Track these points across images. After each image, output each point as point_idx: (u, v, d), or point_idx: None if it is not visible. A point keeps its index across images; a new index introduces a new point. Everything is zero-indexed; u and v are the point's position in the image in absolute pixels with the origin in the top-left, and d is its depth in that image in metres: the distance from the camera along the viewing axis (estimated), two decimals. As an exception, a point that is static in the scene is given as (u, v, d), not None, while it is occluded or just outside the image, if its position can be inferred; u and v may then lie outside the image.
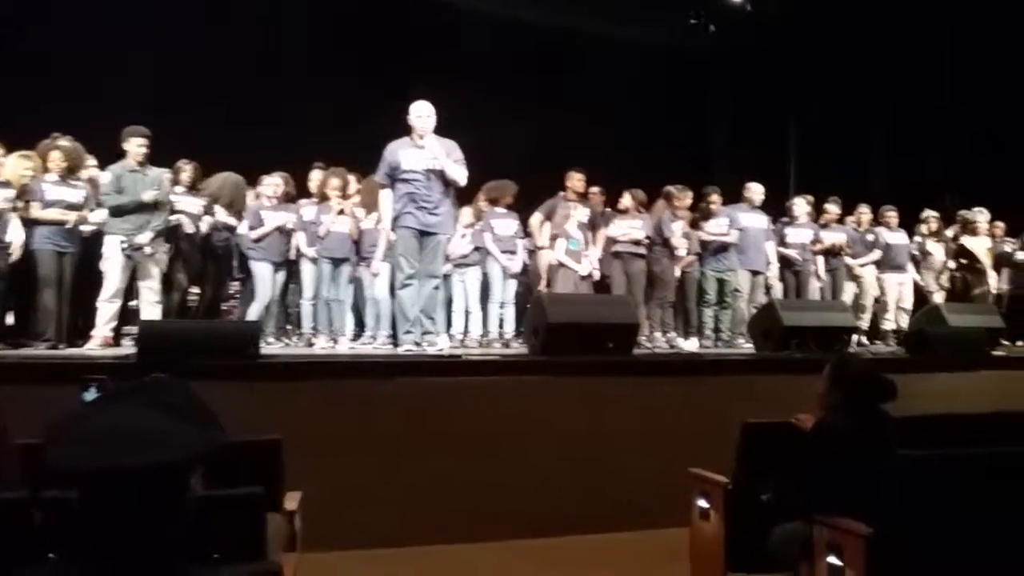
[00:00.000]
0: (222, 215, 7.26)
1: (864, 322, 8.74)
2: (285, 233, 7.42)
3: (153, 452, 1.30)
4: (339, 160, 7.87)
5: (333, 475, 4.15)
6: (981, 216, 9.06)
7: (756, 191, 8.55)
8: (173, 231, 6.71)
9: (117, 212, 6.16)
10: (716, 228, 8.26)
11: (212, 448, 1.39)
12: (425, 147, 5.95)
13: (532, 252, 8.21)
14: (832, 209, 8.87)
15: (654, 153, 11.43)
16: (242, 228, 7.42)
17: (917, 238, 9.25)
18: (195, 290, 7.36)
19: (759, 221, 8.47)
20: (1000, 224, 9.38)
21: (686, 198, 8.37)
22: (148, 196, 6.20)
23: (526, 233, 8.16)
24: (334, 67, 10.87)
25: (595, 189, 8.55)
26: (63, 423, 1.35)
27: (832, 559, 2.78)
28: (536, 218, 7.88)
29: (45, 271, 6.15)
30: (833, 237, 8.73)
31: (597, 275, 7.74)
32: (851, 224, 9.08)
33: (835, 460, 2.94)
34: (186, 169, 7.06)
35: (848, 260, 8.82)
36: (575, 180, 7.88)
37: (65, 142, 6.49)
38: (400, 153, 5.95)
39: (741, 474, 3.44)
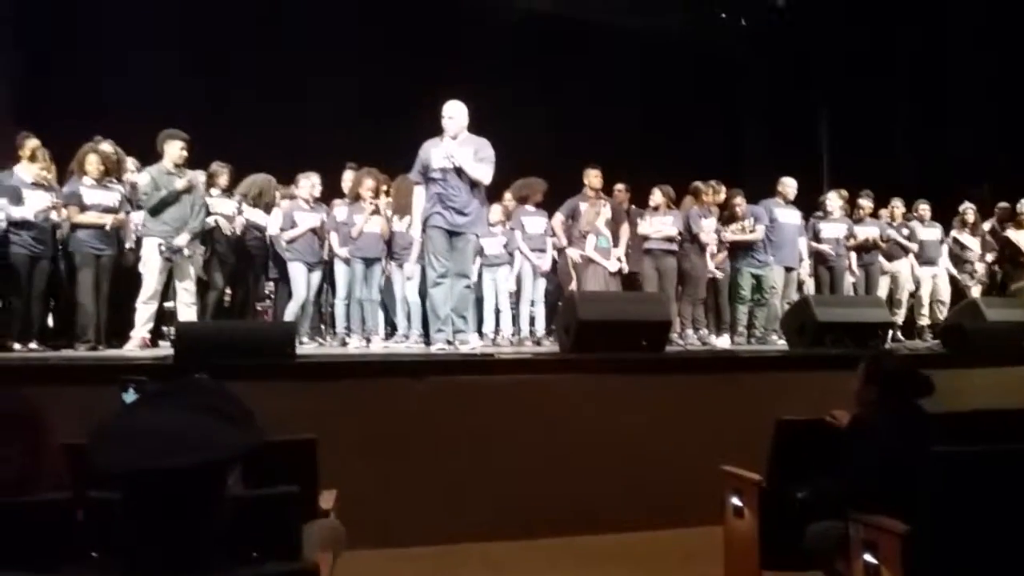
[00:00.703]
0: (251, 214, 7.34)
1: (900, 317, 8.64)
2: (318, 234, 7.49)
3: (193, 452, 1.33)
4: (368, 161, 7.93)
5: (368, 474, 4.19)
6: (1027, 207, 8.89)
7: (789, 186, 8.49)
8: (209, 233, 6.81)
9: (156, 211, 6.25)
10: (739, 231, 8.27)
11: (250, 448, 1.42)
12: (459, 146, 5.94)
13: (560, 251, 8.22)
14: (865, 204, 8.77)
15: (684, 149, 11.37)
16: (273, 228, 7.50)
17: (953, 231, 9.13)
18: (230, 291, 7.48)
19: (793, 217, 8.41)
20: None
21: (715, 193, 8.34)
22: (180, 184, 6.28)
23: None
24: (362, 67, 10.94)
25: (620, 186, 8.56)
26: (106, 425, 1.38)
27: (868, 557, 2.75)
28: (558, 219, 7.86)
29: (84, 273, 6.27)
30: (867, 232, 8.63)
31: (626, 268, 7.74)
32: (885, 218, 8.98)
33: (872, 457, 2.91)
34: (222, 172, 7.16)
35: (882, 259, 8.73)
36: (592, 177, 7.88)
37: (106, 146, 6.61)
38: (432, 152, 5.98)
39: (775, 471, 3.42)
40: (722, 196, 8.34)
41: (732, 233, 8.20)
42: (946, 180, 10.12)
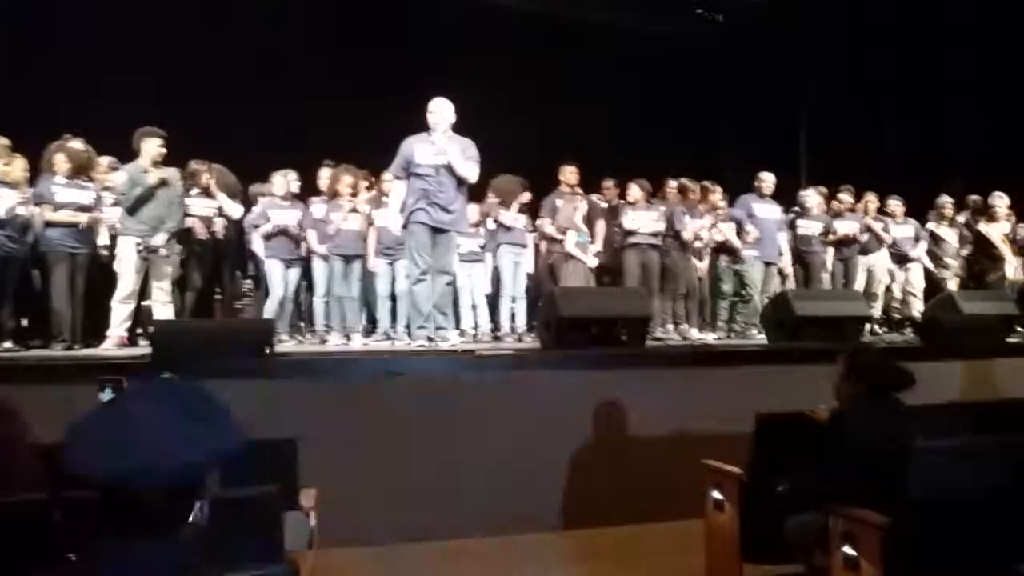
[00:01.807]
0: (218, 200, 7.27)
1: (876, 310, 8.72)
2: (289, 233, 7.45)
3: (170, 454, 1.32)
4: (346, 158, 7.90)
5: (348, 472, 4.18)
6: (1000, 201, 8.92)
7: (767, 180, 8.53)
8: (187, 232, 6.74)
9: (133, 209, 6.18)
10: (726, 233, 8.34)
11: (228, 450, 1.40)
12: (435, 143, 5.96)
13: (537, 247, 8.23)
14: (845, 198, 8.84)
15: (662, 145, 11.39)
16: (235, 213, 7.40)
17: (930, 224, 9.21)
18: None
19: (771, 211, 8.45)
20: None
21: (707, 193, 8.36)
22: (152, 178, 6.20)
23: (534, 227, 8.19)
24: (337, 64, 10.88)
25: (608, 183, 8.62)
26: (81, 427, 1.36)
27: (848, 549, 2.77)
28: (546, 222, 7.86)
29: (58, 272, 6.19)
30: (847, 226, 8.70)
31: (594, 263, 7.82)
32: (861, 212, 9.06)
33: (852, 450, 2.93)
34: (200, 171, 7.10)
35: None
36: (568, 173, 7.93)
37: (76, 144, 6.52)
38: (416, 148, 5.95)
39: (755, 465, 3.44)
40: (715, 198, 8.32)
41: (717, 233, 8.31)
42: (923, 174, 10.20)
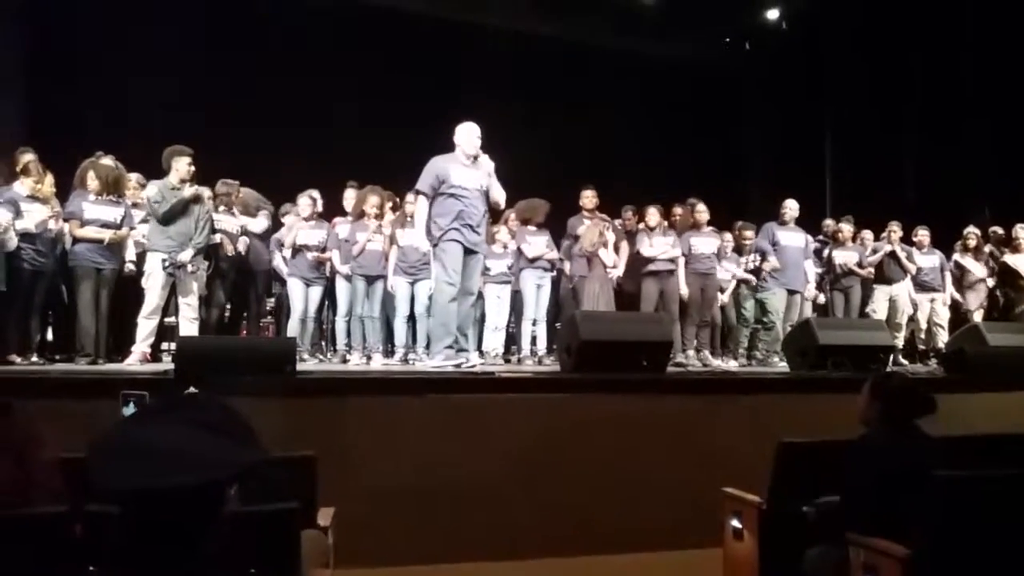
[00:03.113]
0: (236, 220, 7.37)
1: (900, 340, 8.63)
2: (312, 253, 7.51)
3: (192, 471, 1.33)
4: (370, 179, 7.98)
5: (366, 491, 4.17)
6: (1023, 232, 8.90)
7: (791, 208, 8.51)
8: (213, 249, 6.82)
9: (168, 220, 6.26)
10: (750, 264, 8.43)
11: (249, 465, 1.41)
12: (480, 167, 6.05)
13: (560, 271, 8.25)
14: (846, 228, 8.80)
15: (688, 171, 11.38)
16: (256, 226, 7.50)
17: (956, 255, 9.13)
18: (229, 306, 7.50)
19: (796, 239, 8.42)
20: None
21: (694, 212, 8.30)
22: (188, 191, 6.31)
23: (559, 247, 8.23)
24: (363, 88, 11.02)
25: (628, 211, 8.66)
26: (104, 441, 1.38)
27: (868, 581, 2.74)
28: (577, 248, 7.87)
29: (84, 287, 6.27)
30: (845, 257, 8.67)
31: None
32: (868, 242, 9.03)
33: (872, 477, 2.90)
34: (228, 190, 7.20)
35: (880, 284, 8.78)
36: (586, 198, 8.00)
37: (106, 161, 6.62)
38: (451, 168, 5.99)
39: (776, 494, 3.41)
40: (700, 216, 8.25)
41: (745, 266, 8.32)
42: (949, 204, 10.13)
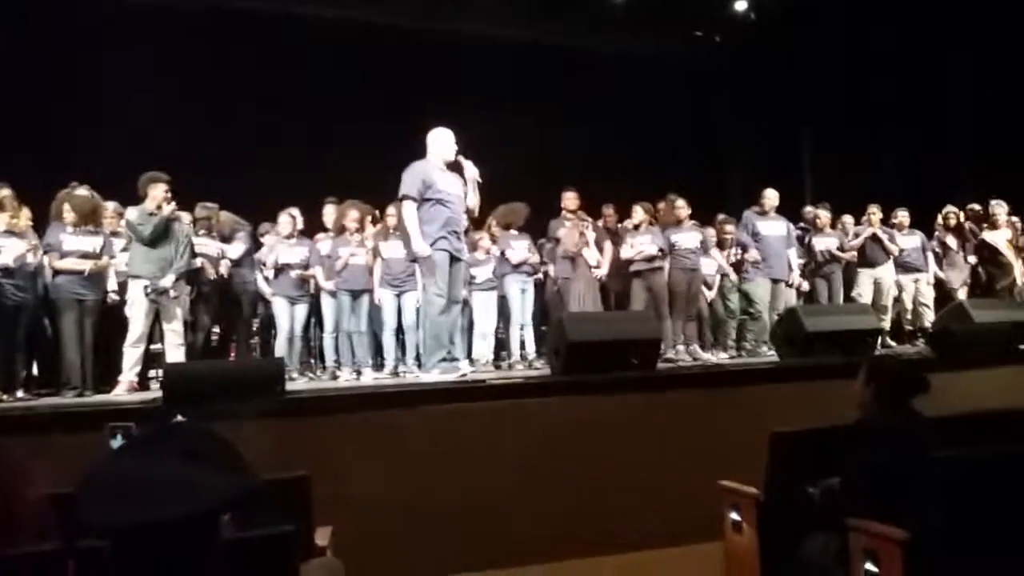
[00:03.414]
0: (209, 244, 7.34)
1: (886, 323, 8.68)
2: (294, 270, 7.48)
3: (183, 503, 1.31)
4: (348, 194, 7.97)
5: (363, 508, 4.15)
6: (1000, 208, 8.95)
7: (771, 197, 8.55)
8: (195, 273, 6.78)
9: (154, 241, 6.24)
10: (732, 257, 8.44)
11: (241, 494, 1.40)
12: (465, 173, 6.03)
13: (545, 274, 8.25)
14: (823, 215, 8.85)
15: (665, 167, 11.42)
16: (233, 252, 7.48)
17: (937, 234, 9.19)
18: (216, 330, 7.47)
19: (777, 228, 8.45)
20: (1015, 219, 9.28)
21: (672, 208, 8.29)
22: (168, 209, 6.29)
23: (540, 254, 8.23)
24: (339, 101, 10.99)
25: (608, 209, 8.65)
26: (93, 477, 1.36)
27: (869, 566, 2.74)
28: (560, 249, 7.86)
29: (67, 319, 6.22)
30: (825, 243, 8.72)
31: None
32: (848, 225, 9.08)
33: (870, 460, 2.91)
34: (208, 213, 7.17)
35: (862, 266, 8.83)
36: (568, 199, 7.99)
37: (82, 191, 6.57)
38: (436, 175, 5.92)
39: (772, 484, 3.41)
40: (680, 212, 8.24)
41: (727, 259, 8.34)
42: (926, 184, 10.20)
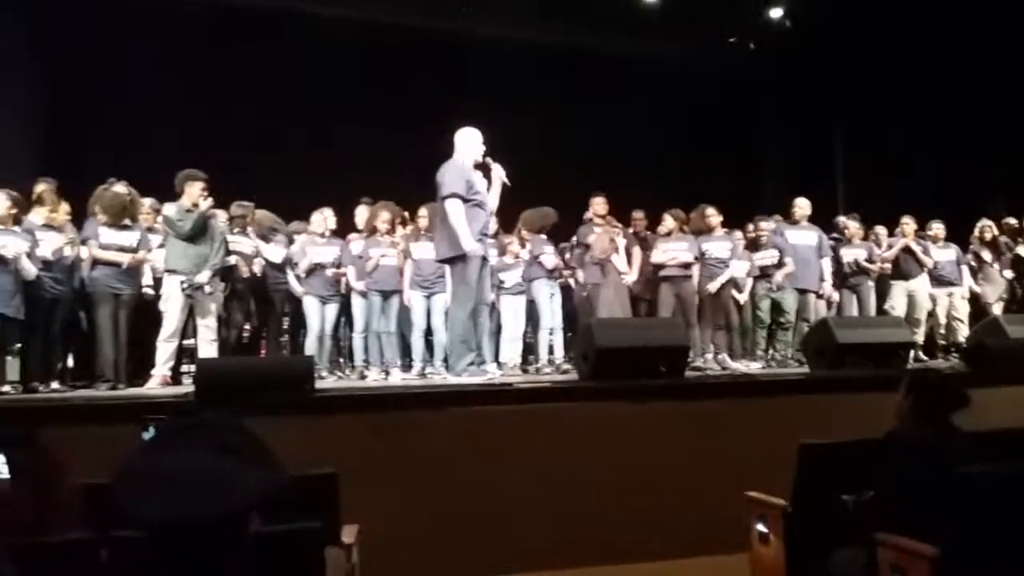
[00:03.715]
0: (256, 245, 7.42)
1: (919, 336, 8.56)
2: (326, 269, 7.52)
3: (218, 499, 1.33)
4: (380, 195, 8.02)
5: (389, 507, 4.17)
6: (1035, 222, 8.85)
7: (802, 207, 8.47)
8: (229, 270, 6.85)
9: (192, 236, 6.33)
10: (767, 259, 8.30)
11: (273, 490, 1.41)
12: (492, 174, 6.01)
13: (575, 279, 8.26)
14: (852, 225, 8.75)
15: (699, 174, 11.36)
16: (273, 255, 7.55)
17: (973, 247, 9.07)
18: (246, 326, 7.53)
19: (806, 238, 8.37)
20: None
21: (702, 218, 8.26)
22: (205, 205, 6.36)
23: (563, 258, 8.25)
24: (369, 104, 11.07)
25: (638, 214, 8.62)
26: (130, 470, 1.39)
27: (897, 581, 2.71)
28: (588, 256, 7.86)
29: (103, 312, 6.31)
30: (853, 253, 8.61)
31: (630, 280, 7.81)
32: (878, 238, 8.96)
33: (903, 473, 2.88)
34: (243, 211, 7.25)
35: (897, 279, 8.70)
36: (597, 204, 7.96)
37: (119, 187, 6.66)
38: (472, 175, 5.89)
39: (800, 496, 3.38)
40: (711, 220, 8.22)
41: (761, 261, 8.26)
42: (962, 198, 10.06)
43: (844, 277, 8.61)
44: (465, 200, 5.80)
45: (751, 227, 8.73)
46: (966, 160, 11.07)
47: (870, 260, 8.60)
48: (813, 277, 8.32)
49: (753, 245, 8.45)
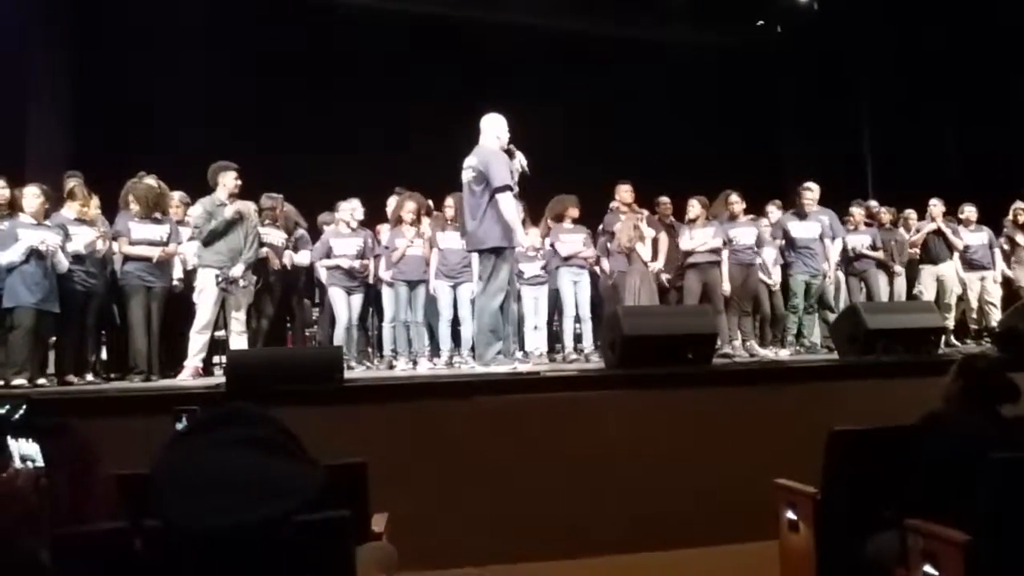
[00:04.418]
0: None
1: (950, 321, 8.46)
2: (349, 263, 7.56)
3: (264, 503, 1.33)
4: (408, 186, 8.02)
5: (418, 495, 4.20)
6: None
7: (812, 190, 8.30)
8: (261, 263, 6.91)
9: (209, 241, 6.37)
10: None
11: (318, 488, 1.42)
12: (513, 162, 5.90)
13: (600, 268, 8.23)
14: (856, 212, 8.62)
15: (724, 159, 11.27)
16: (301, 258, 7.60)
17: (1006, 230, 8.93)
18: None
19: (811, 230, 8.15)
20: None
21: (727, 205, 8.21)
22: (228, 212, 6.39)
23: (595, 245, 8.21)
24: (385, 93, 11.10)
25: (664, 200, 8.56)
26: (168, 469, 1.39)
27: (928, 568, 2.69)
28: (614, 244, 7.83)
29: (135, 304, 6.40)
30: (858, 240, 8.50)
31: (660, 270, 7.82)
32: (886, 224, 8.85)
33: (937, 457, 2.85)
34: (273, 204, 7.30)
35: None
36: (623, 192, 7.91)
37: (149, 180, 6.73)
38: (511, 164, 5.81)
39: (830, 483, 3.36)
40: (735, 207, 8.16)
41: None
42: (996, 182, 9.89)
43: (848, 263, 8.52)
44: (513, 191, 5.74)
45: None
46: (1000, 142, 10.86)
47: (874, 247, 8.49)
48: (817, 264, 8.16)
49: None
